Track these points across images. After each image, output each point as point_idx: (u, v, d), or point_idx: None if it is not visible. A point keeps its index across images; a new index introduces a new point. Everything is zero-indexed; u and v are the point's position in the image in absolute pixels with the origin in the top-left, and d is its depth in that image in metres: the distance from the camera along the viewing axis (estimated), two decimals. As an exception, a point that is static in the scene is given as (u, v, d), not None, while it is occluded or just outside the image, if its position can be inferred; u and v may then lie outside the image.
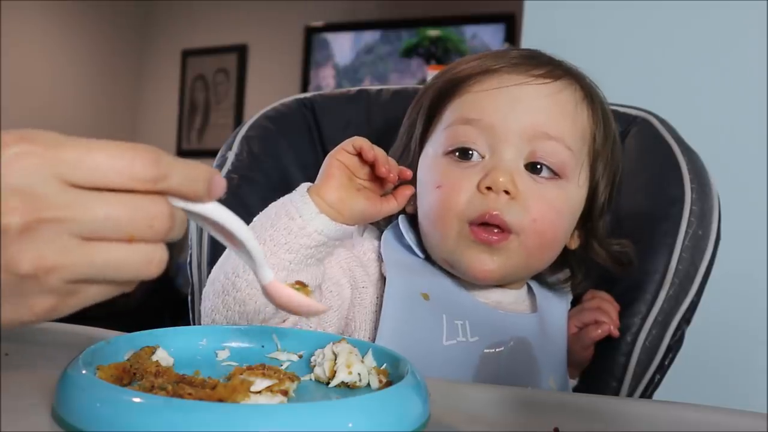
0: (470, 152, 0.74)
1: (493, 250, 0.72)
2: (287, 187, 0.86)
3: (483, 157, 0.73)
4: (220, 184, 0.43)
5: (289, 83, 4.23)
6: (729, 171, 1.03)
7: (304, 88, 4.19)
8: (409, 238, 0.78)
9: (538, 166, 0.73)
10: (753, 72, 1.32)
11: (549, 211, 0.73)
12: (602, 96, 0.80)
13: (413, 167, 0.78)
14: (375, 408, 0.41)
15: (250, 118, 0.97)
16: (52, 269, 0.37)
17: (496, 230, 0.71)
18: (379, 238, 0.80)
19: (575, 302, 0.85)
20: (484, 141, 0.73)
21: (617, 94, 1.01)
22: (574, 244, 0.81)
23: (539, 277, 0.82)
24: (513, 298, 0.80)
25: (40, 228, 0.36)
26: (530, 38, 1.46)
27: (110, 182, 0.38)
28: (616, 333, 0.79)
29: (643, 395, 0.81)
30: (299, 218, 0.66)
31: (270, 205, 0.70)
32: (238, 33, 4.51)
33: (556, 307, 0.82)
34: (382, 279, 0.75)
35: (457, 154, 0.74)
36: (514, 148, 0.72)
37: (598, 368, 0.81)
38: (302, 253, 0.66)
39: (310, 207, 0.66)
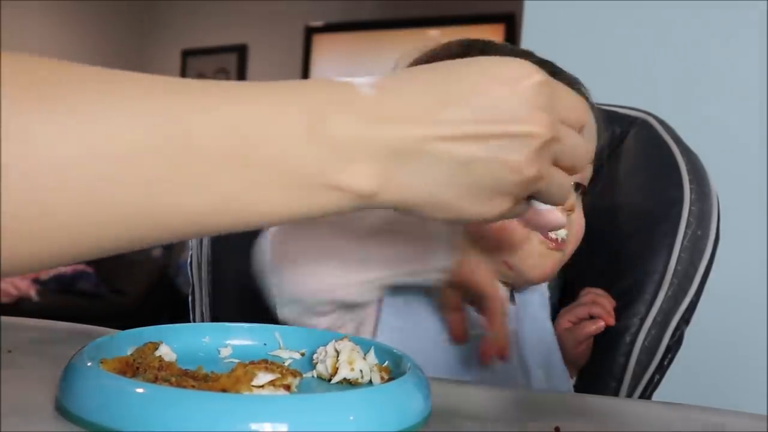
0: None
1: (555, 257, 0.76)
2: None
3: None
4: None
5: (289, 83, 4.22)
6: (728, 171, 1.03)
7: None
8: None
9: (579, 185, 0.78)
10: (753, 73, 1.33)
11: (583, 224, 0.79)
12: (590, 98, 0.82)
13: None
14: (376, 401, 0.41)
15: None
16: (538, 179, 0.44)
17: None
18: None
19: (573, 299, 0.85)
20: None
21: (617, 94, 1.01)
22: None
23: None
24: (505, 293, 0.80)
25: (549, 144, 0.43)
26: (530, 38, 1.46)
27: (573, 121, 0.46)
28: (611, 321, 0.79)
29: (642, 395, 0.81)
30: None
31: None
32: (238, 33, 4.51)
33: (532, 298, 0.83)
34: None
35: None
36: None
37: (598, 368, 0.82)
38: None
39: None
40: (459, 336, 0.70)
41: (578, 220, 0.78)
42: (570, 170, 0.47)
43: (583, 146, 0.47)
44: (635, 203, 0.88)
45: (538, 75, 0.43)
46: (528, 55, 0.79)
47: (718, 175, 0.87)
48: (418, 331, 0.71)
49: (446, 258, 0.63)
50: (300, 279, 0.62)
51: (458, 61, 0.44)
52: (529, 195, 0.46)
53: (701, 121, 1.29)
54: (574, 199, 0.76)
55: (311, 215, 0.41)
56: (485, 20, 3.74)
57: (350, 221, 0.61)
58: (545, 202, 0.48)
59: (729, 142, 1.32)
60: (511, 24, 3.66)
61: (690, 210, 0.82)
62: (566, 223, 0.54)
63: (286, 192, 0.39)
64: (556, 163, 0.46)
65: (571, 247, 0.77)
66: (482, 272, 0.66)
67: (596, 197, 0.94)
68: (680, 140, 0.88)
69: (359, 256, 0.61)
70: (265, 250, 0.66)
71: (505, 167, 0.42)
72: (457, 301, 0.69)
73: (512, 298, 0.80)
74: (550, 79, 0.44)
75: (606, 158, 0.94)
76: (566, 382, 0.80)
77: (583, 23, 1.44)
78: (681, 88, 1.37)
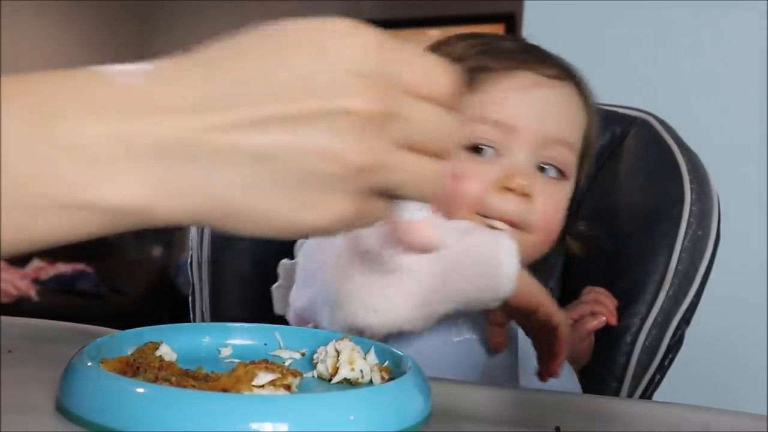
0: (483, 149, 0.74)
1: None
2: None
3: (498, 156, 0.74)
4: None
5: (289, 83, 4.23)
6: (729, 171, 1.03)
7: (304, 88, 4.19)
8: None
9: (545, 167, 0.75)
10: (753, 72, 1.33)
11: (556, 212, 0.75)
12: (594, 94, 0.81)
13: None
14: (376, 401, 0.41)
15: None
16: (379, 168, 0.34)
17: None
18: None
19: (573, 299, 0.85)
20: (501, 141, 0.74)
21: (617, 94, 1.01)
22: None
23: None
24: None
25: (385, 122, 0.34)
26: (530, 38, 1.45)
27: (424, 89, 0.36)
28: (613, 321, 0.79)
29: (643, 395, 0.81)
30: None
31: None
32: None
33: None
34: None
35: (471, 150, 0.75)
36: (530, 150, 0.73)
37: (599, 368, 0.82)
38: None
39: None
40: (500, 345, 0.70)
41: (546, 206, 0.74)
42: (430, 152, 0.37)
43: (438, 120, 0.36)
44: (635, 203, 0.88)
45: (363, 35, 0.35)
46: (542, 51, 0.79)
47: (718, 175, 0.87)
48: (432, 329, 0.71)
49: (511, 282, 0.61)
50: (368, 313, 0.59)
51: (260, 31, 0.36)
52: (386, 192, 0.36)
53: (701, 121, 1.29)
54: (525, 182, 0.71)
55: (66, 240, 0.32)
56: (485, 20, 3.75)
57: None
58: (406, 198, 0.38)
59: (729, 142, 1.32)
60: (511, 24, 3.67)
61: (690, 210, 0.82)
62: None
63: (18, 214, 0.30)
64: (410, 146, 0.36)
65: (541, 236, 0.74)
66: (545, 296, 0.64)
67: (596, 197, 0.94)
68: (680, 140, 0.88)
69: (435, 293, 0.60)
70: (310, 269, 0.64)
71: (321, 157, 0.33)
72: (503, 318, 0.69)
73: None
74: (386, 39, 0.35)
75: (606, 158, 0.94)
76: (571, 380, 0.80)
77: (583, 23, 1.44)
78: (681, 88, 1.36)
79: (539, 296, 0.64)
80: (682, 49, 1.38)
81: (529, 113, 0.74)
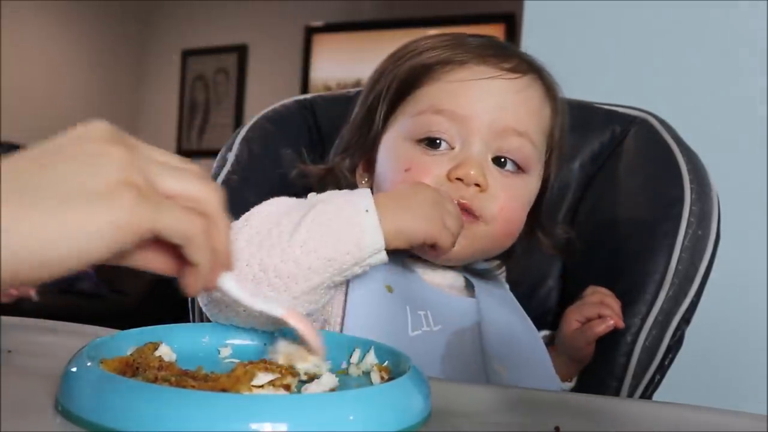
0: (439, 141, 0.75)
1: (464, 229, 0.72)
2: (287, 189, 0.86)
3: (452, 148, 0.74)
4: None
5: (289, 83, 4.23)
6: (729, 171, 1.03)
7: (304, 88, 4.19)
8: None
9: (503, 160, 0.75)
10: (753, 72, 1.33)
11: (515, 203, 0.76)
12: (559, 89, 0.82)
13: (373, 149, 0.80)
14: (376, 401, 0.41)
15: (250, 119, 0.98)
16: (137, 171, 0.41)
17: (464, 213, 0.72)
18: None
19: (571, 303, 0.85)
20: (455, 132, 0.74)
21: (617, 94, 1.01)
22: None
23: (469, 265, 0.84)
24: (461, 285, 0.80)
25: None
26: (530, 38, 1.46)
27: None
28: (621, 324, 0.78)
29: (643, 395, 0.81)
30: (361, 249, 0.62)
31: (326, 208, 0.63)
32: (238, 33, 4.51)
33: (494, 290, 0.83)
34: None
35: (426, 142, 0.75)
36: (483, 142, 0.74)
37: (599, 368, 0.82)
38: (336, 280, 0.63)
39: (378, 242, 0.62)
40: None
41: (503, 198, 0.74)
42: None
43: (194, 176, 0.44)
44: (635, 203, 0.88)
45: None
46: (504, 46, 0.81)
47: (718, 174, 0.87)
48: (385, 324, 0.71)
49: (377, 238, 0.61)
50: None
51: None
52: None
53: (701, 121, 1.29)
54: (474, 171, 0.72)
55: None
56: (485, 20, 3.75)
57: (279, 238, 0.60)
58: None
59: (729, 142, 1.32)
60: (511, 24, 3.67)
61: (691, 210, 0.82)
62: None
63: None
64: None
65: (498, 227, 0.74)
66: None
67: (596, 197, 0.94)
68: (680, 140, 0.88)
69: (292, 270, 0.60)
70: None
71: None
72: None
73: (472, 291, 0.81)
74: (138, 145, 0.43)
75: (606, 158, 0.94)
76: (549, 380, 0.80)
77: (583, 23, 1.44)
78: (681, 88, 1.36)
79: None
80: (682, 49, 1.38)
81: (482, 104, 0.74)
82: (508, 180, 0.75)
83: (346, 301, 0.71)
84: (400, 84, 0.79)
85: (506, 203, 0.74)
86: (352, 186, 0.80)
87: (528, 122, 0.76)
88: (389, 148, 0.78)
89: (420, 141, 0.75)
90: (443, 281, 0.79)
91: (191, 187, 0.44)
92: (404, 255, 0.77)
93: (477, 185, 0.73)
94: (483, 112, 0.74)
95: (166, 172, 0.43)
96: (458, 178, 0.72)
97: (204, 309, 0.61)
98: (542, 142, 0.78)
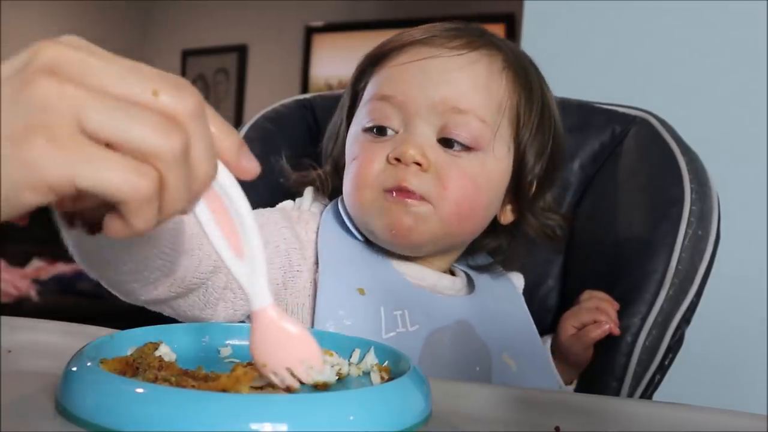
0: (385, 128, 0.74)
1: (409, 210, 0.71)
2: (287, 188, 0.86)
3: (397, 133, 0.74)
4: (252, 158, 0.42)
5: (289, 83, 4.23)
6: (729, 171, 1.03)
7: (304, 87, 4.19)
8: (347, 218, 0.77)
9: (451, 140, 0.73)
10: (753, 72, 1.33)
11: (463, 182, 0.72)
12: (532, 68, 0.80)
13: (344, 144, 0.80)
14: (376, 401, 0.41)
15: (250, 119, 0.98)
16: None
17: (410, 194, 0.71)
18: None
19: (571, 303, 0.85)
20: (398, 117, 0.74)
21: (617, 94, 1.01)
22: (507, 218, 0.81)
23: (469, 260, 0.83)
24: (449, 283, 0.79)
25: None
26: (530, 38, 1.46)
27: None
28: (616, 331, 0.79)
29: (643, 395, 0.81)
30: None
31: None
32: (238, 33, 4.51)
33: (497, 287, 0.83)
34: (317, 263, 0.74)
35: (374, 131, 0.75)
36: (426, 123, 0.73)
37: (598, 368, 0.82)
38: None
39: None
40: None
41: (451, 179, 0.71)
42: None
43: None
44: (635, 203, 0.88)
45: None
46: (463, 28, 0.79)
47: (718, 174, 0.87)
48: (357, 329, 0.70)
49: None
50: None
51: None
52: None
53: (701, 121, 1.29)
54: (412, 151, 0.70)
55: None
56: (485, 20, 3.75)
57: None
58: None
59: (729, 142, 1.32)
60: (511, 24, 3.67)
61: (690, 210, 0.82)
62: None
63: None
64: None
65: (448, 208, 0.71)
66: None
67: (596, 196, 0.94)
68: (680, 139, 0.88)
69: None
70: None
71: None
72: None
73: (471, 286, 0.80)
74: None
75: (606, 158, 0.94)
76: (548, 376, 0.80)
77: (583, 23, 1.44)
78: (681, 87, 1.36)
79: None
80: (683, 49, 1.38)
81: (420, 85, 0.73)
82: (457, 159, 0.72)
83: (314, 306, 0.70)
84: (356, 75, 0.80)
85: (452, 182, 0.71)
86: (336, 191, 0.80)
87: (472, 98, 0.73)
88: (348, 143, 0.78)
89: (368, 130, 0.75)
90: (439, 282, 0.78)
91: (140, 136, 0.35)
92: (385, 253, 0.77)
93: (418, 164, 0.71)
94: (420, 93, 0.72)
95: (118, 111, 0.35)
96: (396, 158, 0.71)
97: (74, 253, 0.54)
98: (497, 119, 0.74)
